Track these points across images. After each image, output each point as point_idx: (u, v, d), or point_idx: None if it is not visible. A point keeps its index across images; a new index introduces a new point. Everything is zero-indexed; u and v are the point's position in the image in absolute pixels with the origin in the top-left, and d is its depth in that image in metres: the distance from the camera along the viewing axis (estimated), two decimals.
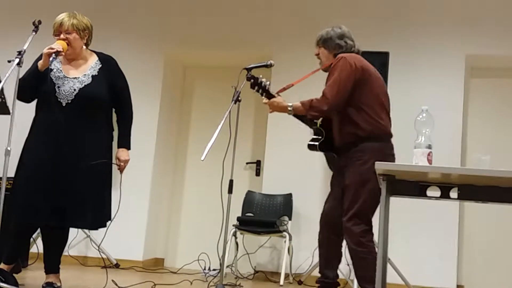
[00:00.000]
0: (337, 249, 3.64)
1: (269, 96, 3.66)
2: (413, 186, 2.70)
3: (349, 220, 3.38)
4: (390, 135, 3.50)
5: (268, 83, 3.65)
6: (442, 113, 5.09)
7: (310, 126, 3.71)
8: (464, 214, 5.40)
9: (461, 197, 2.66)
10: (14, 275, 3.58)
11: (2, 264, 3.55)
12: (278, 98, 3.64)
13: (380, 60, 4.96)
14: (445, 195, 2.69)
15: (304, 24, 5.68)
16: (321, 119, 3.61)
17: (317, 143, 3.60)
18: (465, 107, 5.38)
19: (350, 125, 3.46)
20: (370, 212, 3.37)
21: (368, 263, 3.30)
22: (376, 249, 3.09)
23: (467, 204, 5.38)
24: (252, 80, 3.63)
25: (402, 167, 2.58)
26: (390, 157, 3.42)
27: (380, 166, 2.60)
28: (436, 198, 2.71)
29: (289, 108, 3.54)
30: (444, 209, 5.04)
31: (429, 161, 2.64)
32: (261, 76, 3.66)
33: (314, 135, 3.69)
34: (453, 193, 2.67)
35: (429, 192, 2.70)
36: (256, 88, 3.64)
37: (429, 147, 2.66)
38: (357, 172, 3.39)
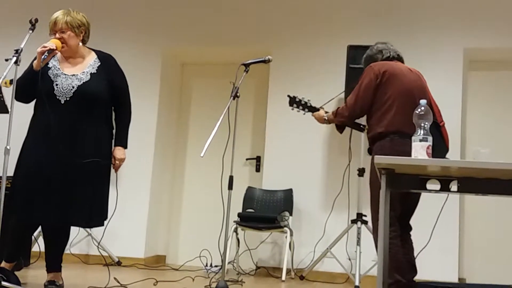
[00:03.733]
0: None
1: (313, 110, 4.02)
2: (413, 179, 2.70)
3: (371, 218, 3.60)
4: (400, 133, 3.48)
5: (308, 99, 4.08)
6: (441, 106, 5.05)
7: (361, 131, 4.14)
8: (464, 207, 5.40)
9: (461, 190, 2.66)
10: (16, 273, 3.59)
11: (3, 262, 3.56)
12: (320, 111, 3.98)
13: None
14: (445, 188, 2.69)
15: (301, 19, 5.68)
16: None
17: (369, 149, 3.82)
18: (464, 100, 5.38)
19: (369, 128, 3.66)
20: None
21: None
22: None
23: (467, 197, 5.38)
24: (294, 104, 4.06)
25: (401, 161, 2.58)
26: (400, 154, 3.39)
27: (379, 160, 2.60)
28: (436, 191, 2.71)
29: (324, 118, 3.90)
30: (444, 202, 5.04)
31: (428, 154, 2.64)
32: (298, 95, 4.09)
33: None
34: (453, 186, 2.67)
35: (429, 185, 2.70)
36: (295, 106, 4.06)
37: (428, 140, 2.66)
38: (370, 173, 3.60)
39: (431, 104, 3.68)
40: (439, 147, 3.46)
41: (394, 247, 3.41)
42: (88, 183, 3.44)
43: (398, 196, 3.47)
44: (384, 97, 3.55)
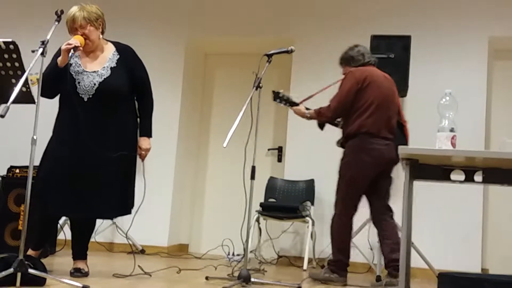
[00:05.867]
0: None
1: (293, 104, 4.34)
2: (437, 170, 2.68)
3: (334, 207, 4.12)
4: (370, 133, 3.97)
5: (290, 95, 4.41)
6: (466, 96, 5.04)
7: (336, 126, 4.37)
8: (488, 197, 5.35)
9: (485, 180, 2.64)
10: (42, 260, 3.65)
11: (30, 250, 3.62)
12: (300, 106, 4.32)
13: (402, 43, 4.92)
14: (469, 178, 2.66)
15: (325, 9, 5.65)
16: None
17: (339, 141, 4.26)
18: (489, 90, 5.32)
19: (344, 126, 4.12)
20: (348, 199, 4.04)
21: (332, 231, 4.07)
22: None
23: (491, 188, 5.33)
24: (278, 99, 4.37)
25: (425, 151, 2.57)
26: (367, 150, 3.97)
27: (403, 151, 2.59)
28: (460, 182, 2.69)
29: (306, 115, 4.27)
30: (468, 192, 5.01)
31: (453, 145, 2.62)
32: (282, 90, 4.40)
33: None
34: (478, 177, 2.65)
35: (453, 176, 2.68)
36: (278, 101, 4.35)
37: (453, 130, 2.64)
38: (339, 167, 4.09)
39: (398, 106, 4.21)
40: (401, 144, 3.64)
41: (347, 228, 4.00)
42: (115, 176, 3.50)
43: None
44: (362, 101, 4.00)
